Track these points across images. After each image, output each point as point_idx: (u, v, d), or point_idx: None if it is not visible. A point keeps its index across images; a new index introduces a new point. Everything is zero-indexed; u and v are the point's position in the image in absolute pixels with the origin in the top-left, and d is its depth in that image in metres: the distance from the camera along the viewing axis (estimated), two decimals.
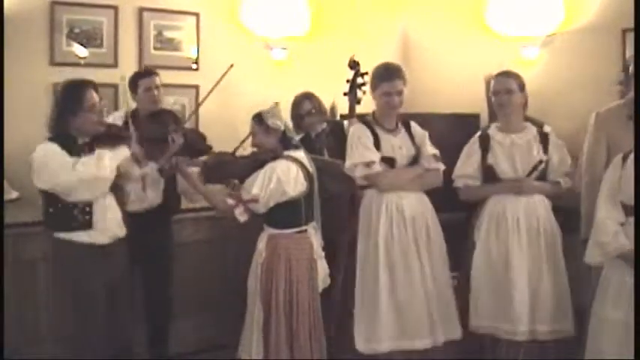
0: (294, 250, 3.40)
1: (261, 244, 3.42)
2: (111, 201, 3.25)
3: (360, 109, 4.03)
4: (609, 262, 3.05)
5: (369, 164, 3.62)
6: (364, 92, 3.94)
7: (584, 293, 3.58)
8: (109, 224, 3.23)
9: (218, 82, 3.61)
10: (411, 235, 3.60)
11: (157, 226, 3.86)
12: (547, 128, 3.77)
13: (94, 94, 3.21)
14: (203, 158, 3.55)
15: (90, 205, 3.15)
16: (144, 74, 4.14)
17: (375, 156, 3.64)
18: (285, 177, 3.33)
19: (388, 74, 3.66)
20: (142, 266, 3.82)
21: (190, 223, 4.34)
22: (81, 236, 3.16)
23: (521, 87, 3.72)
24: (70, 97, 3.18)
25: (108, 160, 3.11)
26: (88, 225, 3.16)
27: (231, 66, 3.59)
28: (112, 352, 3.23)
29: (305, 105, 4.37)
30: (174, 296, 4.05)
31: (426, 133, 3.80)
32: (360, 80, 3.98)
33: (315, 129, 4.35)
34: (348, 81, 4.03)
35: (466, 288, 3.75)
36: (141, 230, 3.50)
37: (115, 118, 4.11)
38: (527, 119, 3.80)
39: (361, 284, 3.62)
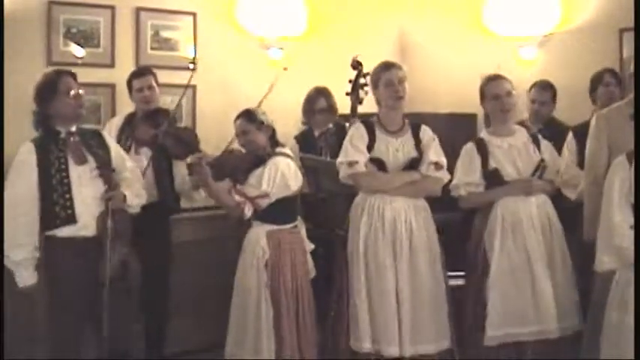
0: (295, 244, 3.49)
1: (262, 241, 3.43)
2: (94, 194, 3.20)
3: (361, 109, 4.03)
4: (623, 267, 2.87)
5: (351, 164, 3.52)
6: (366, 92, 3.92)
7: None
8: (92, 217, 3.18)
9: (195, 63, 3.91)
10: (389, 240, 3.48)
11: (153, 224, 3.76)
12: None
13: (71, 81, 3.21)
14: (214, 156, 3.57)
15: (71, 200, 3.13)
16: (137, 74, 4.12)
17: (361, 156, 3.52)
18: (288, 172, 3.43)
19: (387, 65, 3.59)
20: (140, 265, 3.79)
21: (189, 223, 4.34)
22: (63, 231, 3.13)
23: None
24: (46, 84, 3.20)
25: None
26: (71, 220, 3.14)
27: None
28: (109, 351, 3.22)
29: (320, 102, 4.32)
30: (172, 296, 4.05)
31: (434, 138, 3.61)
32: (362, 81, 3.98)
33: (320, 127, 4.31)
34: (350, 81, 4.02)
35: (475, 294, 3.63)
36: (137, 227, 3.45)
37: (112, 124, 4.10)
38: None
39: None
